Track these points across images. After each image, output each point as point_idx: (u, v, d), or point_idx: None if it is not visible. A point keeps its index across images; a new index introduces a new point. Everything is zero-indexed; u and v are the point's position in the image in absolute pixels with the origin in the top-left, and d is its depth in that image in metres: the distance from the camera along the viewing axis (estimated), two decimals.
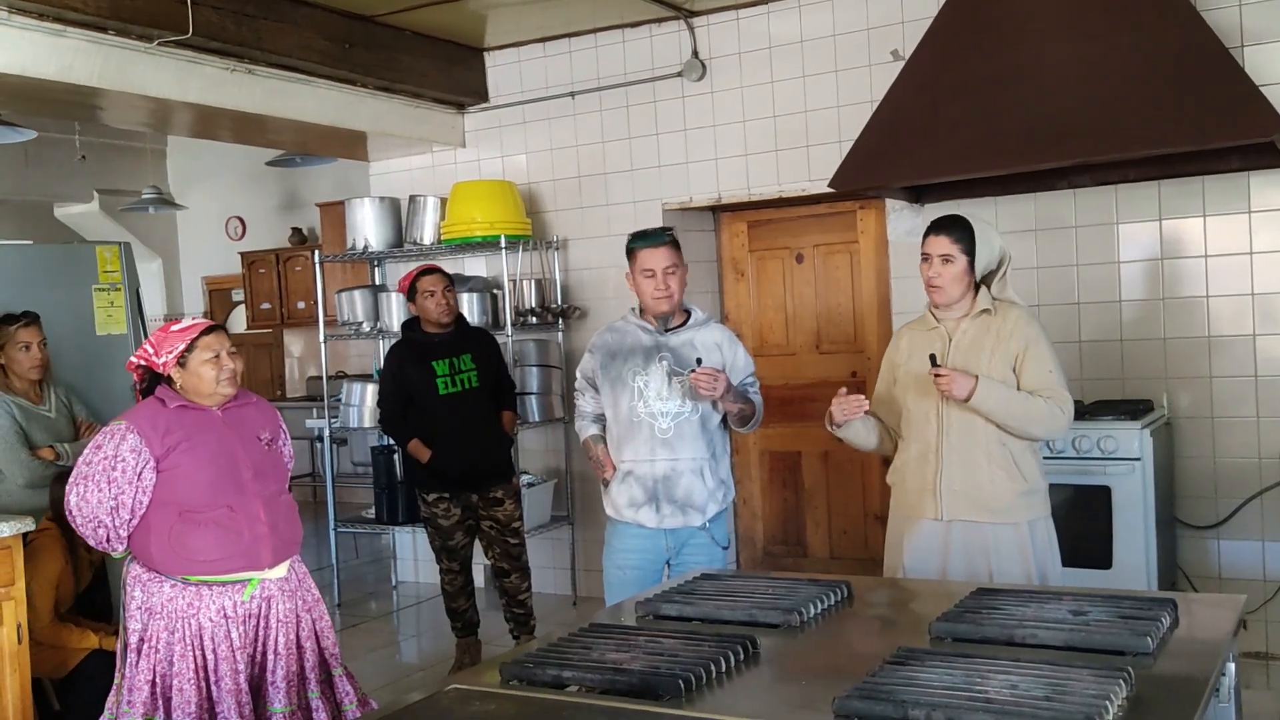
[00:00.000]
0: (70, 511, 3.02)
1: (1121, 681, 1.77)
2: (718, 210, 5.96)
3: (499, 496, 4.90)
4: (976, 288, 3.22)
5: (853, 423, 3.31)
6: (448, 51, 6.02)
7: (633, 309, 3.68)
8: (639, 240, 3.58)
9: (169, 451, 3.01)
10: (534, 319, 5.92)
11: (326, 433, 6.42)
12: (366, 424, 6.25)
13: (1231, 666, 2.09)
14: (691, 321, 3.62)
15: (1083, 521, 4.13)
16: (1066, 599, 2.23)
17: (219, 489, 3.04)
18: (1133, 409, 4.42)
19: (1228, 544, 4.62)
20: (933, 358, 3.14)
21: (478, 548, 5.07)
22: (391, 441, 6.37)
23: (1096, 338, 4.82)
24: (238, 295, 10.54)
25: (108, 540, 3.04)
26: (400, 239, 6.24)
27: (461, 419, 4.79)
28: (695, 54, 5.65)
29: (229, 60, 4.99)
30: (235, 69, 5.03)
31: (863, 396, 3.22)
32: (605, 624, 2.31)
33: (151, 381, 3.14)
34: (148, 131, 8.97)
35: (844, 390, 3.26)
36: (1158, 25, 4.08)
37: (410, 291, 4.84)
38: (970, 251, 3.15)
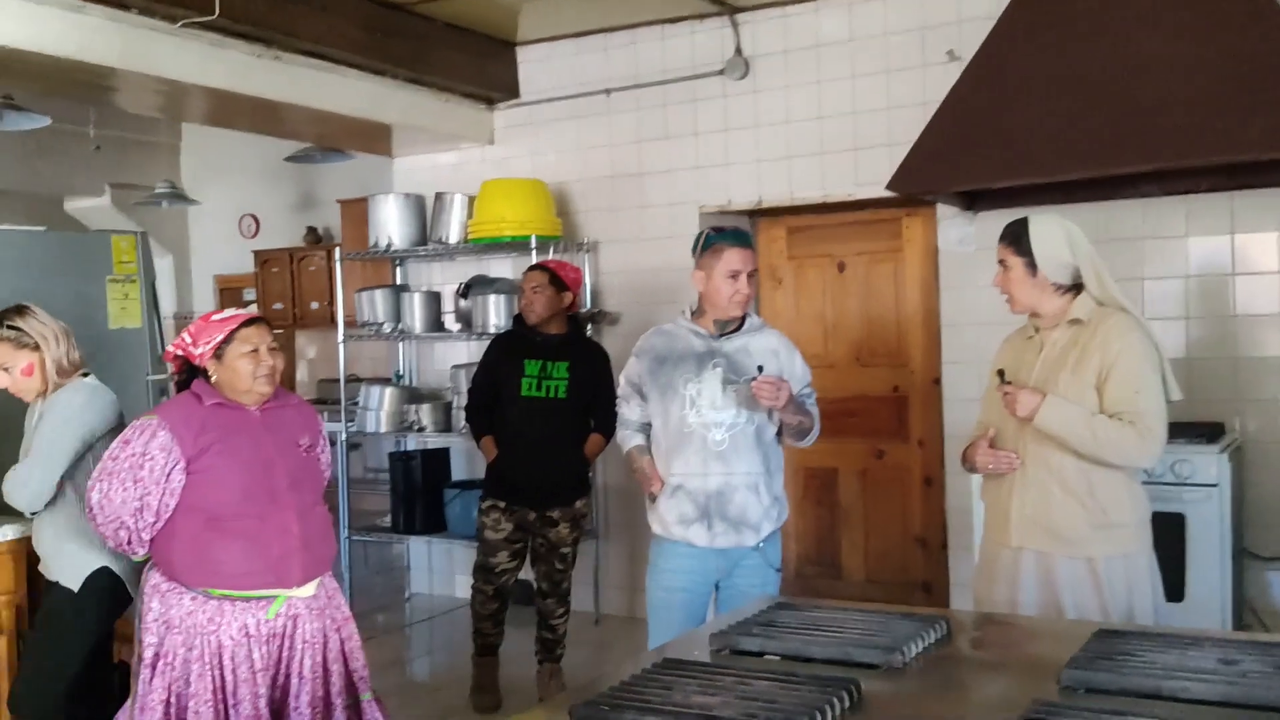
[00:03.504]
0: (91, 509, 2.80)
1: None
2: (755, 214, 5.72)
3: (555, 518, 4.55)
4: (1077, 291, 2.94)
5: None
6: (479, 45, 5.80)
7: (684, 311, 3.43)
8: (727, 238, 3.29)
9: (201, 452, 2.78)
10: None
11: (343, 436, 6.18)
12: (383, 428, 6.03)
13: None
14: (747, 327, 3.37)
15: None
16: (1207, 644, 1.98)
17: (251, 496, 2.81)
18: (1207, 432, 4.17)
19: None
20: (1001, 373, 2.93)
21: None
22: (411, 447, 6.18)
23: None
24: (249, 294, 10.29)
25: (128, 543, 2.82)
26: (424, 238, 6.01)
27: (535, 427, 4.47)
28: (739, 51, 5.42)
29: (255, 45, 4.77)
30: (262, 54, 4.81)
31: (1015, 455, 2.91)
32: (681, 659, 2.06)
33: (189, 375, 2.91)
34: (163, 123, 8.76)
35: (987, 441, 2.96)
36: (1247, 26, 3.85)
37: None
38: (1026, 253, 2.88)
